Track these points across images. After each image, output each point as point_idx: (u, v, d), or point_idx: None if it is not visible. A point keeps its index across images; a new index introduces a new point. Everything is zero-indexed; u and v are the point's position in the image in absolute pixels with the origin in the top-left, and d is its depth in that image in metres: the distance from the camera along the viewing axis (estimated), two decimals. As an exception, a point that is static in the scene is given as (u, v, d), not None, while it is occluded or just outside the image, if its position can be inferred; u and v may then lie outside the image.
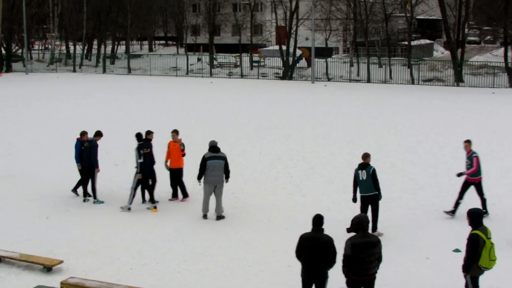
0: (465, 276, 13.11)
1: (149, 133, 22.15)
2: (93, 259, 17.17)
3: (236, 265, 16.82)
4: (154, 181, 22.11)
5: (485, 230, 12.92)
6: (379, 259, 12.96)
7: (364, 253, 12.65)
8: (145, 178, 21.62)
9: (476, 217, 13.06)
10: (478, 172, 20.12)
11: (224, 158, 20.54)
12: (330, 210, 20.53)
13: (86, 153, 22.42)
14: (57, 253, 17.41)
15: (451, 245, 17.87)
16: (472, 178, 20.19)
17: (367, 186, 18.55)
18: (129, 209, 21.39)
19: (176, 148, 22.54)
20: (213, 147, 20.66)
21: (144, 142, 21.63)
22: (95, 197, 22.53)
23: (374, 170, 18.59)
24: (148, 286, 15.06)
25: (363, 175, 18.58)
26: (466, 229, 13.54)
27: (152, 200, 21.81)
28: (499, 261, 13.25)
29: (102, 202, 22.42)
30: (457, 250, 17.34)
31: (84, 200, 22.62)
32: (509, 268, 16.11)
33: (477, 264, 12.87)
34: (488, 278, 13.88)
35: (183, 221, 20.47)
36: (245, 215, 20.77)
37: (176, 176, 22.68)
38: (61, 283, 14.81)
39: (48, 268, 16.19)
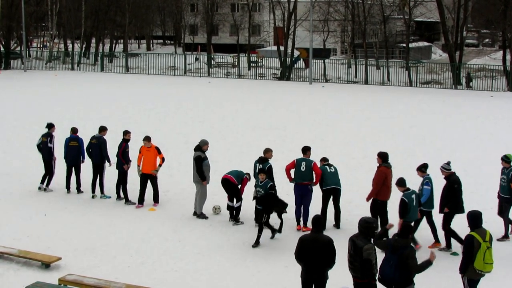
0: (462, 278, 13.18)
1: (126, 133, 22.62)
2: (91, 256, 17.23)
3: (233, 265, 16.87)
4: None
5: (482, 233, 12.96)
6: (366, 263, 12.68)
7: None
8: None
9: (473, 218, 13.13)
10: None
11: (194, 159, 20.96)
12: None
13: (95, 149, 22.70)
14: (55, 250, 17.46)
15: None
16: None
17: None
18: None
19: (150, 153, 21.80)
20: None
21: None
22: (102, 192, 22.88)
23: (270, 167, 19.84)
24: (145, 285, 15.08)
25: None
26: (467, 231, 13.53)
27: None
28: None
29: (109, 197, 22.71)
30: (454, 254, 17.40)
31: (92, 197, 22.90)
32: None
33: (473, 267, 12.93)
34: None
35: (180, 220, 20.52)
36: (242, 215, 20.76)
37: (147, 181, 21.96)
38: (59, 280, 14.86)
39: (46, 265, 16.27)
